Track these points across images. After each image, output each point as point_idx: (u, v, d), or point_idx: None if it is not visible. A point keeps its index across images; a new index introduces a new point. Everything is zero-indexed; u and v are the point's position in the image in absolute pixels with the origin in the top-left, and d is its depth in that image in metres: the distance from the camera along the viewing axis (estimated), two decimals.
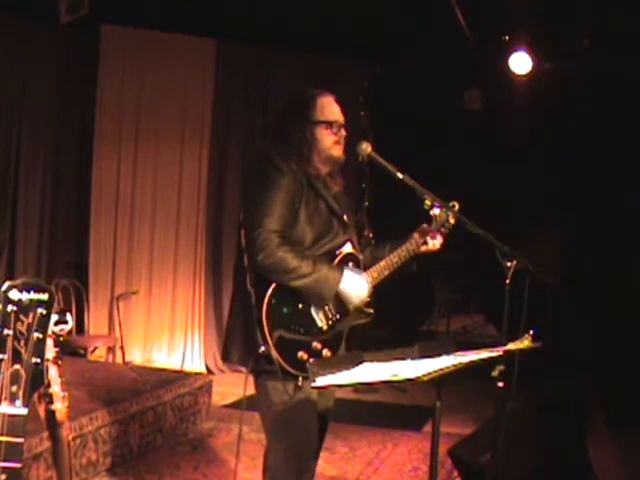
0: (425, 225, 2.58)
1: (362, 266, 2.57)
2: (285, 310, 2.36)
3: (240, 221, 2.47)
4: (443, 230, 2.58)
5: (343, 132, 2.56)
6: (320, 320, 2.42)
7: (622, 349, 5.45)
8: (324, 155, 2.51)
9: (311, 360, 2.30)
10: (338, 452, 4.45)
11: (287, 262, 2.32)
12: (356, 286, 2.44)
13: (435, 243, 2.60)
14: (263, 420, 2.52)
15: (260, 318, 2.32)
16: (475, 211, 2.59)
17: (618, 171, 6.12)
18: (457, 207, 2.54)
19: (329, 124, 2.52)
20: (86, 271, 6.61)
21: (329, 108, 2.55)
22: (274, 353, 2.29)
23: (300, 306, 2.39)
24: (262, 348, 2.29)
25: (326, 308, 2.43)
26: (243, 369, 2.47)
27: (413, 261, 2.63)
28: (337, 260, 2.50)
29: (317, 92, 2.58)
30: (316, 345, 2.38)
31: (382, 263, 2.54)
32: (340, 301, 2.45)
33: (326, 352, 2.40)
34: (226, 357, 2.53)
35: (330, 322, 2.43)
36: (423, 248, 2.60)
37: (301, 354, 2.33)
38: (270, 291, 2.35)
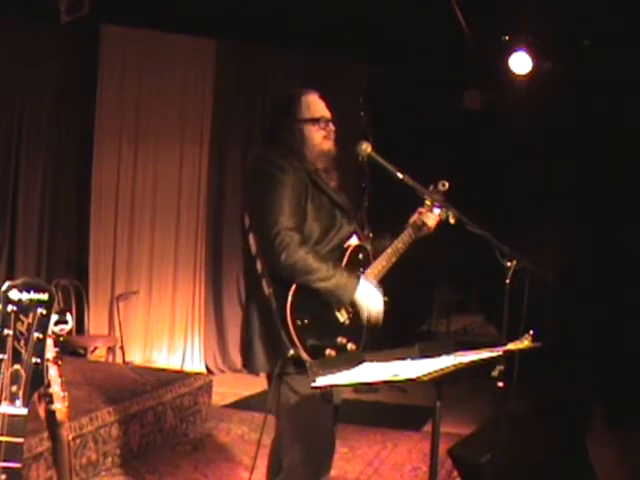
0: (421, 209, 2.61)
1: (371, 256, 2.60)
2: (308, 311, 2.36)
3: (246, 227, 2.45)
4: (438, 205, 2.60)
5: (331, 126, 2.58)
6: (341, 315, 2.44)
7: (622, 349, 5.45)
8: (316, 151, 2.53)
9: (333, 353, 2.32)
10: (338, 452, 4.38)
11: (309, 262, 2.33)
12: (371, 297, 2.46)
13: (431, 223, 2.62)
14: (281, 421, 2.51)
15: (285, 321, 2.31)
16: (475, 211, 2.60)
17: (618, 170, 6.12)
18: (447, 186, 2.58)
19: (316, 120, 2.54)
20: (86, 271, 6.62)
21: (314, 105, 2.57)
22: (304, 355, 2.29)
23: (321, 305, 2.40)
24: (291, 351, 2.29)
25: None
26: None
27: (416, 246, 2.66)
28: (348, 254, 2.52)
29: (301, 91, 2.61)
30: (341, 340, 2.40)
31: (389, 250, 2.58)
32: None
33: (351, 346, 2.41)
34: (248, 366, 2.50)
35: (350, 315, 2.45)
36: (423, 232, 2.63)
37: (329, 351, 2.35)
38: (292, 293, 2.35)
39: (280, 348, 2.31)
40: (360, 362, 2.00)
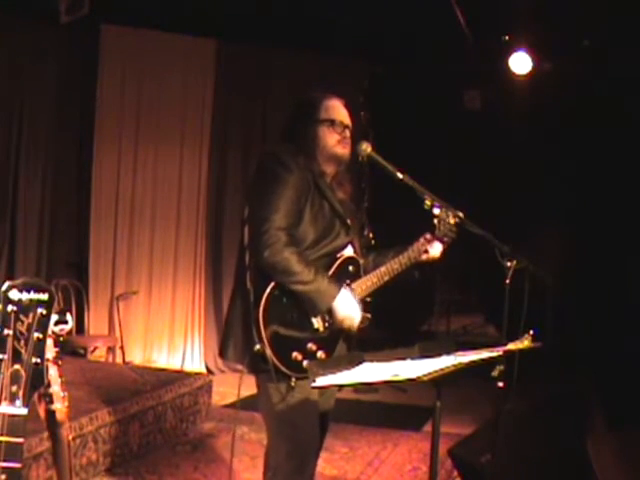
0: (428, 234, 2.58)
1: (362, 270, 2.58)
2: (282, 309, 2.36)
3: (244, 217, 2.46)
4: (446, 239, 2.57)
5: (348, 134, 2.56)
6: (317, 322, 2.42)
7: (622, 348, 5.45)
8: (327, 153, 2.52)
9: (305, 362, 2.31)
10: (338, 452, 4.45)
11: (291, 264, 2.32)
12: (349, 308, 2.43)
13: (435, 252, 2.61)
14: (265, 419, 2.53)
15: (257, 316, 2.32)
16: (475, 211, 2.59)
17: (618, 170, 6.12)
18: (461, 215, 2.53)
19: (332, 122, 2.53)
20: (86, 271, 6.62)
21: (334, 109, 2.57)
22: (268, 352, 2.30)
23: (298, 307, 2.39)
24: (257, 346, 2.30)
25: None
26: (241, 368, 2.47)
27: (415, 268, 2.64)
28: (337, 263, 2.50)
29: (325, 94, 2.61)
30: (311, 346, 2.38)
31: (382, 269, 2.55)
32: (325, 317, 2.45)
33: (321, 354, 2.40)
34: (223, 355, 2.53)
35: (327, 324, 2.43)
36: (424, 257, 2.60)
37: (295, 355, 2.34)
38: (269, 289, 2.35)
39: (250, 342, 2.32)
40: (360, 362, 1.99)
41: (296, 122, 2.58)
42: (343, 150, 2.54)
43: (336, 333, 2.47)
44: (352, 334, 2.51)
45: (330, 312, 2.42)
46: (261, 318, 2.32)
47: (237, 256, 2.52)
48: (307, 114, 2.55)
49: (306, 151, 2.49)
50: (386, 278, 2.55)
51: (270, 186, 2.40)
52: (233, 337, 2.46)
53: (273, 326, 2.33)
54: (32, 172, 6.38)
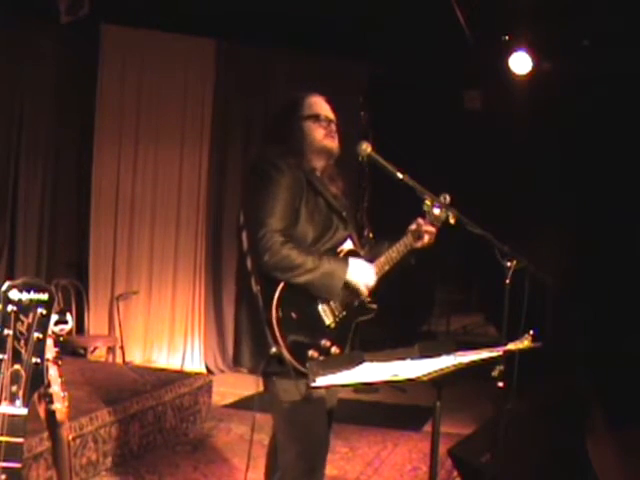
0: (420, 219, 2.59)
1: None
2: (293, 310, 2.36)
3: (240, 224, 2.47)
4: (435, 223, 2.58)
5: (334, 127, 2.58)
6: (327, 317, 2.43)
7: (622, 348, 5.45)
8: (316, 147, 2.53)
9: (321, 359, 2.32)
10: (338, 452, 4.44)
11: (292, 258, 2.33)
12: (363, 273, 2.46)
13: (426, 238, 2.61)
14: (275, 421, 2.53)
15: (270, 319, 2.32)
16: (475, 211, 2.59)
17: (618, 170, 6.12)
18: (448, 199, 2.55)
19: (316, 117, 2.55)
20: (86, 271, 6.62)
21: (317, 104, 2.59)
22: (286, 354, 2.30)
23: (308, 305, 2.40)
24: (273, 349, 2.30)
25: (332, 305, 2.44)
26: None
27: (411, 255, 2.65)
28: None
29: (306, 92, 2.64)
30: (325, 343, 2.39)
31: (382, 259, 2.56)
32: (345, 297, 2.46)
33: (335, 349, 2.41)
34: (237, 362, 2.52)
35: (337, 319, 2.45)
36: (419, 243, 2.61)
37: (311, 353, 2.34)
38: (278, 292, 2.35)
39: (264, 346, 2.32)
40: (360, 362, 2.00)
41: (282, 122, 2.60)
42: (332, 143, 2.56)
43: (346, 327, 2.48)
44: (358, 330, 2.52)
45: (348, 285, 2.43)
46: (274, 321, 2.32)
47: (237, 262, 2.53)
48: (291, 112, 2.57)
49: (295, 149, 2.50)
50: (387, 267, 2.56)
51: (263, 189, 2.40)
52: (245, 344, 2.46)
53: (287, 327, 2.33)
54: (32, 172, 6.37)
